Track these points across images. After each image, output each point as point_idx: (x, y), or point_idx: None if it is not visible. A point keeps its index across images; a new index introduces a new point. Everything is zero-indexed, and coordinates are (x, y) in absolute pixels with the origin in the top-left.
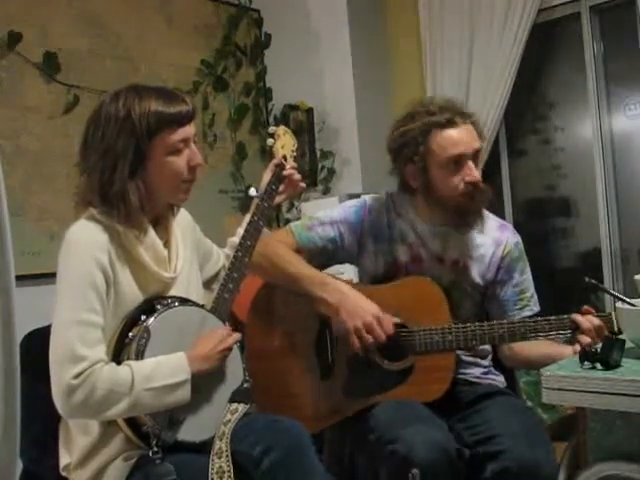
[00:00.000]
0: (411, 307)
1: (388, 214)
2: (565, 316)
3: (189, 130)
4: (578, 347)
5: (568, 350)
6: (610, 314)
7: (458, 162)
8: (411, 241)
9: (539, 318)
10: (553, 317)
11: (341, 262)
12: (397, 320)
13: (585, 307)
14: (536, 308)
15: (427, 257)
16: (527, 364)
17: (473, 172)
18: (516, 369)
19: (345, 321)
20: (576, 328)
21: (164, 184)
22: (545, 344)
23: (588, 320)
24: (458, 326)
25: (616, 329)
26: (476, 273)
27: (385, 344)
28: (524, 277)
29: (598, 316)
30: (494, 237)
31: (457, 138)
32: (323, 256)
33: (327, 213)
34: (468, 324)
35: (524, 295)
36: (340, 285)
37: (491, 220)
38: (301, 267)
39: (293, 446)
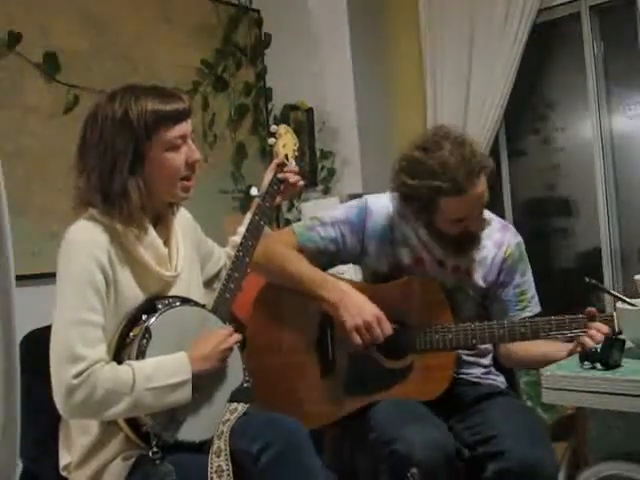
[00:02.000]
0: (412, 306)
1: (391, 216)
2: (566, 317)
3: (186, 127)
4: (571, 345)
5: (564, 348)
6: (612, 315)
7: (463, 218)
8: (414, 244)
9: (539, 318)
10: (554, 317)
11: (345, 262)
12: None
13: (589, 309)
14: (536, 309)
15: (429, 260)
16: (523, 364)
17: (476, 225)
18: (514, 368)
19: (346, 320)
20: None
21: (163, 181)
22: (542, 343)
23: (595, 341)
24: (458, 325)
25: (617, 329)
26: (479, 277)
27: (386, 343)
28: (525, 278)
29: (602, 319)
30: (495, 239)
31: (467, 205)
32: (325, 256)
33: (329, 213)
34: (468, 323)
35: (524, 296)
36: (341, 284)
37: (494, 221)
38: (302, 266)
39: (292, 443)
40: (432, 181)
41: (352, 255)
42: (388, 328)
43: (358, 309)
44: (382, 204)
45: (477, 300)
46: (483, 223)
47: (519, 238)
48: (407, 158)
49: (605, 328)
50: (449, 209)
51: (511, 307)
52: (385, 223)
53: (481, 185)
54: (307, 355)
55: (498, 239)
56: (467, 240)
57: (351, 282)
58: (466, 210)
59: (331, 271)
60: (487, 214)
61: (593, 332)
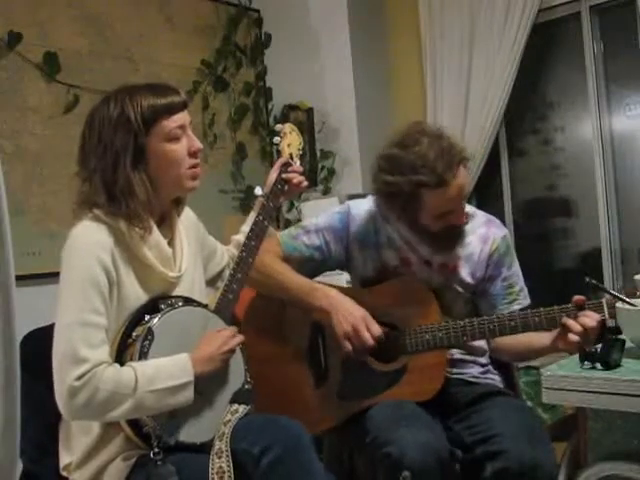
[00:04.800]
0: (401, 308)
1: (374, 219)
2: (555, 308)
3: (184, 117)
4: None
5: (548, 335)
6: (601, 302)
7: (447, 212)
8: (399, 245)
9: (528, 311)
10: (542, 310)
11: (331, 269)
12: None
13: (576, 298)
14: (525, 302)
15: (416, 261)
16: (510, 354)
17: (459, 218)
18: (503, 359)
19: (335, 326)
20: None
21: (168, 174)
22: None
23: (579, 323)
24: (448, 324)
25: (606, 315)
26: (466, 273)
27: (377, 346)
28: (512, 271)
29: (590, 305)
30: (481, 234)
31: (450, 196)
32: (311, 265)
33: (312, 221)
34: (458, 321)
35: (512, 289)
36: (328, 290)
37: (477, 216)
38: (289, 275)
39: (292, 444)
40: (413, 175)
41: (338, 262)
42: (376, 329)
43: (346, 315)
44: (364, 208)
45: (466, 297)
46: (466, 216)
47: (505, 231)
48: (386, 156)
49: (596, 316)
50: (432, 203)
51: (499, 301)
52: (369, 227)
53: (461, 177)
54: (299, 365)
55: (483, 234)
56: (451, 235)
57: (340, 288)
58: (449, 203)
59: (322, 278)
60: (470, 209)
61: (583, 319)
